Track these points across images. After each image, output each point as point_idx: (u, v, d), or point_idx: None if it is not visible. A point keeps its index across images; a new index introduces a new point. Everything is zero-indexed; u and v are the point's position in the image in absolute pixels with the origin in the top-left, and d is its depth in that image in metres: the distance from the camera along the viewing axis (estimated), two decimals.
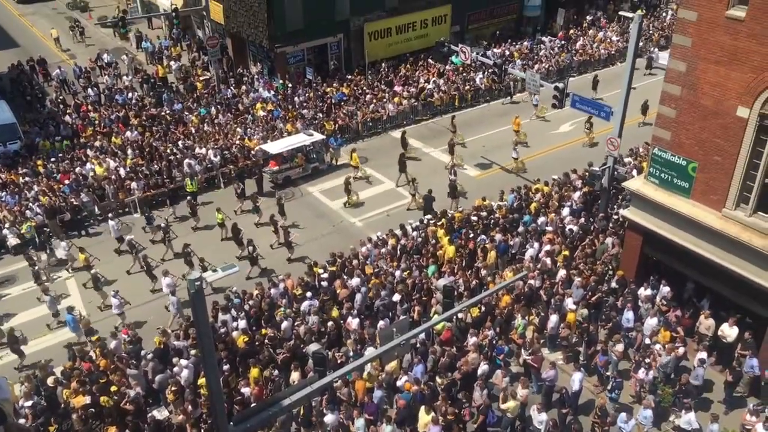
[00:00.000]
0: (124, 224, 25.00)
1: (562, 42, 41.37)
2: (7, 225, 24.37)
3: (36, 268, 22.47)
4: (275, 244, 24.00)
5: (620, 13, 41.36)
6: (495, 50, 39.46)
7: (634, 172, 24.60)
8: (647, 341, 17.63)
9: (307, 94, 34.33)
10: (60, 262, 23.69)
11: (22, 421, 15.45)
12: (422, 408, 15.53)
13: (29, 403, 16.14)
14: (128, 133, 30.59)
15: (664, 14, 46.09)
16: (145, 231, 24.82)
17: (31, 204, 25.46)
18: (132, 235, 24.13)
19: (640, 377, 16.53)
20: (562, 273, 19.99)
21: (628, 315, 18.30)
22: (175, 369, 17.20)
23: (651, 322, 18.03)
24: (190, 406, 15.89)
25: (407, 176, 27.64)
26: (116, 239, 24.00)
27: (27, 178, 27.38)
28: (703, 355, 16.54)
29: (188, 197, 25.86)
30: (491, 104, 35.40)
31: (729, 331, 17.16)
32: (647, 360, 16.71)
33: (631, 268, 19.73)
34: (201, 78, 37.15)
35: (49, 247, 24.01)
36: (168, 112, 33.01)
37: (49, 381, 17.00)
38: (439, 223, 23.23)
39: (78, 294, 22.18)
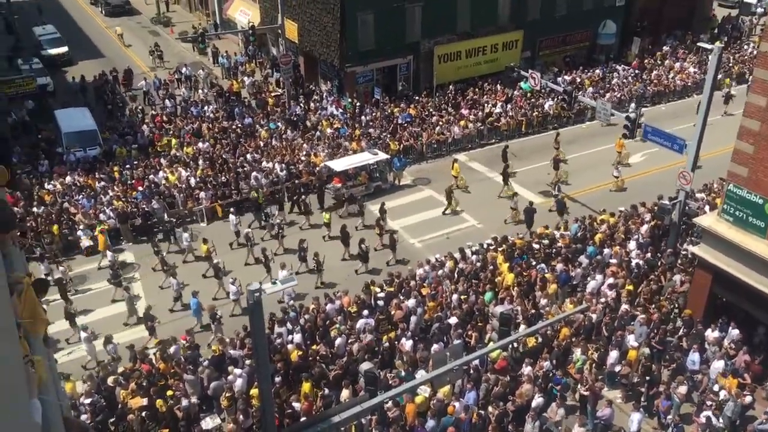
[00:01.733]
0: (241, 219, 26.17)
1: (636, 71, 40.49)
2: (81, 227, 25.47)
3: (161, 255, 23.80)
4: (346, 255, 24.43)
5: (699, 44, 40.13)
6: (566, 77, 38.95)
7: (707, 207, 23.70)
8: (713, 386, 16.83)
9: (373, 114, 34.69)
10: (180, 251, 25.17)
11: (83, 417, 15.97)
12: None
13: (89, 401, 16.71)
14: (200, 144, 31.61)
15: (745, 47, 44.52)
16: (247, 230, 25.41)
17: (105, 208, 26.57)
18: (249, 229, 25.27)
19: (702, 422, 15.78)
20: (624, 308, 19.38)
21: (694, 357, 17.55)
22: (230, 378, 17.50)
23: (717, 365, 17.22)
24: (241, 416, 16.11)
25: (510, 188, 28.26)
26: (234, 233, 25.34)
27: (103, 183, 28.59)
28: None
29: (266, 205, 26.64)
30: (560, 131, 34.86)
31: None
32: (710, 404, 15.94)
33: (699, 308, 18.95)
34: (272, 94, 38.09)
35: (173, 236, 25.56)
36: (239, 125, 33.95)
37: (110, 380, 17.57)
38: (499, 249, 22.93)
39: (196, 283, 22.66)
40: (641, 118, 32.79)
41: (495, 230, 25.33)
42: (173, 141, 32.31)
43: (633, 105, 35.41)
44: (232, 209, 26.10)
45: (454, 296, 20.41)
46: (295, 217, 27.30)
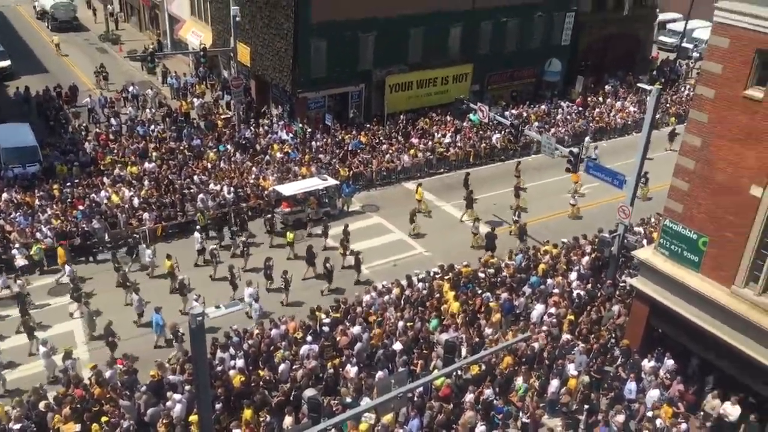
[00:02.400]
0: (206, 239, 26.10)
1: (579, 108, 41.92)
2: (17, 245, 24.53)
3: (121, 272, 23.39)
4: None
5: (639, 84, 41.91)
6: (513, 111, 40.01)
7: (644, 241, 24.55)
8: (649, 414, 17.27)
9: (324, 140, 34.79)
10: (143, 267, 24.97)
11: None
12: None
13: (18, 427, 15.96)
14: (146, 164, 31.01)
15: (682, 89, 46.70)
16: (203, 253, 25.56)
17: (42, 227, 25.69)
18: (214, 246, 25.41)
19: None
20: (566, 337, 19.79)
21: (631, 386, 18.01)
22: (168, 403, 17.00)
23: (653, 394, 17.73)
24: None
25: (474, 213, 29.03)
26: (197, 251, 25.34)
27: (42, 201, 27.66)
28: None
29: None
30: (506, 163, 35.67)
31: (731, 410, 16.83)
32: None
33: (636, 338, 19.50)
34: (222, 116, 37.79)
35: (135, 252, 25.25)
36: (186, 146, 33.49)
37: (41, 405, 16.83)
38: (446, 277, 23.15)
39: (161, 300, 22.46)
40: (595, 151, 34.39)
41: (442, 258, 25.61)
42: (114, 160, 31.61)
43: (588, 139, 37.18)
44: (198, 227, 25.98)
45: (400, 323, 20.45)
46: (260, 236, 27.40)
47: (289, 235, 26.19)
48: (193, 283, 23.47)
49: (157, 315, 20.75)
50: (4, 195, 27.81)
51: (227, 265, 23.83)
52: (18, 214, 26.44)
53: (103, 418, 16.27)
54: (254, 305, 21.78)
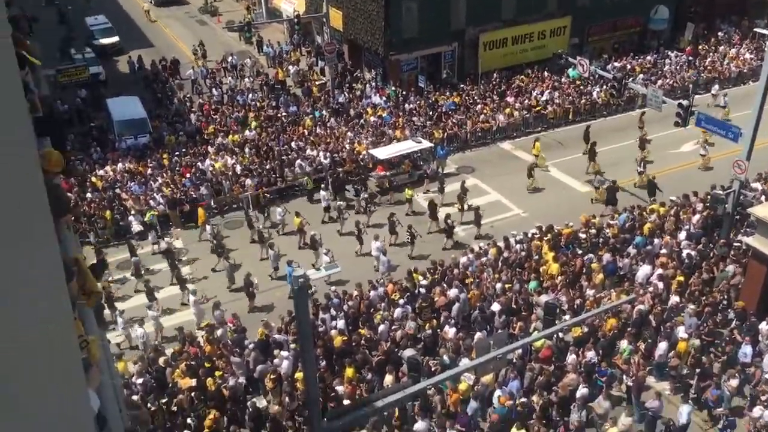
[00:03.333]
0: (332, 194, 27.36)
1: (689, 57, 39.30)
2: (132, 212, 26.15)
3: (257, 228, 25.11)
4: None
5: (756, 29, 38.69)
6: (615, 63, 38.08)
7: (763, 198, 22.91)
8: (766, 377, 16.33)
9: (418, 102, 34.57)
10: (273, 225, 26.39)
11: (134, 397, 16.46)
12: (515, 425, 15.18)
13: (140, 381, 17.20)
14: (246, 133, 32.03)
15: None
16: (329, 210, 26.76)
17: (155, 194, 27.22)
18: (342, 202, 26.57)
19: (755, 416, 15.34)
20: (674, 299, 18.94)
21: (746, 349, 17.04)
22: (276, 361, 17.78)
23: None
24: (287, 398, 16.37)
25: (596, 166, 28.15)
26: (324, 209, 26.55)
27: (153, 170, 29.26)
28: None
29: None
30: (607, 119, 34.13)
31: None
32: (764, 397, 15.47)
33: (753, 300, 18.39)
34: (317, 82, 38.29)
35: (267, 211, 26.77)
36: (284, 114, 34.26)
37: (161, 361, 18.04)
38: (545, 238, 22.64)
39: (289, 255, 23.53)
40: (725, 99, 32.79)
41: (540, 219, 25.02)
42: (217, 129, 32.83)
43: (716, 87, 35.25)
44: (322, 185, 27.35)
45: (498, 285, 20.27)
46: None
47: (408, 192, 26.93)
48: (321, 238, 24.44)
49: (290, 267, 21.68)
50: (119, 165, 29.63)
51: (354, 221, 24.78)
52: (132, 182, 28.11)
53: (217, 373, 17.25)
54: (382, 258, 22.50)
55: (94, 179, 28.40)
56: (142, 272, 23.41)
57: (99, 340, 7.58)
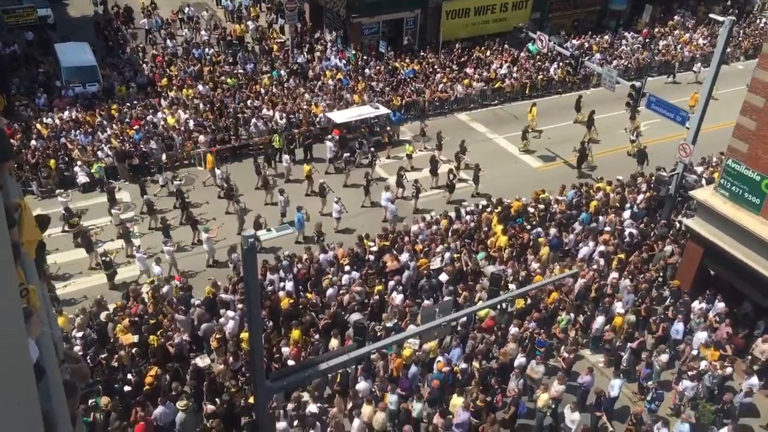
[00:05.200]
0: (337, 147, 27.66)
1: (645, 39, 39.99)
2: (78, 163, 25.38)
3: (263, 174, 25.52)
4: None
5: (710, 15, 39.55)
6: (574, 41, 38.47)
7: (703, 181, 23.75)
8: (695, 353, 17.15)
9: (377, 67, 34.30)
10: (278, 174, 26.69)
11: (75, 348, 16.21)
12: (455, 391, 15.61)
13: (80, 334, 16.94)
14: (200, 87, 31.27)
15: (758, 21, 43.93)
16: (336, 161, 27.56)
17: (103, 145, 26.44)
18: (348, 154, 27.05)
19: (681, 389, 16.14)
20: (614, 275, 19.60)
21: (678, 326, 17.83)
22: (221, 320, 17.74)
23: (700, 336, 17.52)
24: (231, 358, 16.39)
25: (592, 134, 29.58)
26: (329, 160, 27.26)
27: (101, 120, 28.36)
28: (754, 380, 15.97)
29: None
30: (563, 96, 34.60)
31: None
32: (691, 373, 16.27)
33: (688, 280, 19.18)
34: (276, 40, 37.53)
35: (274, 160, 26.96)
36: (241, 71, 33.54)
37: (102, 316, 17.77)
38: (495, 211, 23.01)
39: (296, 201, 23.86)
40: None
41: (492, 191, 25.41)
42: (170, 82, 31.97)
43: (699, 64, 36.37)
44: (329, 137, 27.59)
45: (447, 254, 20.57)
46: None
47: (409, 148, 27.72)
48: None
49: (299, 213, 22.35)
50: (66, 113, 28.61)
51: (359, 172, 25.87)
52: (79, 132, 27.22)
53: (160, 331, 17.11)
54: (390, 207, 23.49)
55: (39, 126, 27.38)
56: (155, 210, 23.51)
57: (39, 290, 7.43)
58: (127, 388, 15.48)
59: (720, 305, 18.26)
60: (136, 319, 17.40)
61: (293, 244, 22.73)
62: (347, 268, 19.77)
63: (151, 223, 23.44)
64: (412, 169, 27.13)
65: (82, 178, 25.07)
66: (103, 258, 20.56)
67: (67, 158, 25.73)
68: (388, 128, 29.51)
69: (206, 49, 35.77)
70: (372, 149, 27.41)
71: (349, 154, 26.99)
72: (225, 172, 25.32)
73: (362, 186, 24.98)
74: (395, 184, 25.36)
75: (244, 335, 16.68)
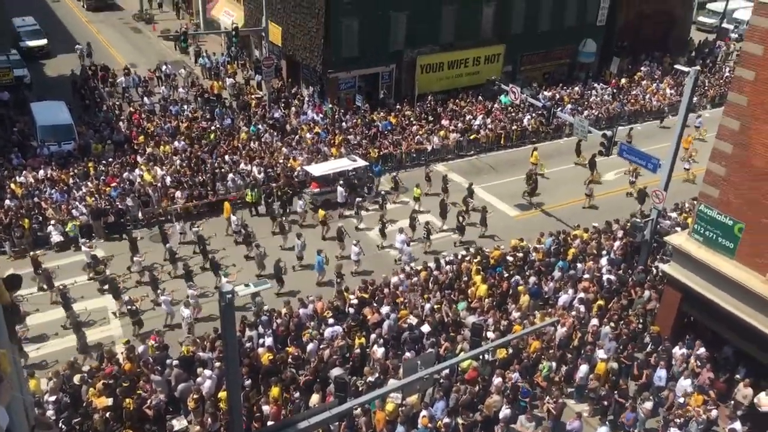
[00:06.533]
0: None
1: (614, 90, 41.13)
2: (53, 222, 25.07)
3: (279, 220, 26.13)
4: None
5: (676, 66, 40.90)
6: (545, 93, 39.43)
7: (678, 228, 24.10)
8: (680, 400, 17.06)
9: (354, 120, 34.74)
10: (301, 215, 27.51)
11: (48, 413, 15.67)
12: None
13: (53, 398, 16.42)
14: (176, 143, 31.33)
15: (724, 70, 45.44)
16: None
17: (77, 203, 26.20)
18: (360, 199, 28.00)
19: None
20: (594, 322, 19.60)
21: (661, 373, 17.79)
22: (198, 379, 17.33)
23: (684, 383, 17.47)
24: (209, 419, 15.95)
25: (598, 174, 30.39)
26: (339, 203, 27.96)
27: (76, 179, 28.17)
28: (737, 425, 15.90)
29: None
30: (537, 146, 35.19)
31: (765, 400, 16.52)
32: (678, 421, 16.16)
33: (667, 325, 19.24)
34: (254, 96, 37.94)
35: (289, 206, 27.79)
36: (218, 126, 33.74)
37: (76, 379, 17.28)
38: (474, 260, 23.06)
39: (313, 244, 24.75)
40: (698, 120, 34.97)
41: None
42: (147, 139, 32.02)
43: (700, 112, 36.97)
44: (340, 182, 28.16)
45: (427, 305, 20.46)
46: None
47: (417, 191, 28.45)
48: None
49: (319, 256, 23.03)
50: (41, 172, 28.39)
51: (372, 216, 26.90)
52: (54, 191, 26.98)
53: (136, 393, 16.64)
54: (405, 249, 24.07)
55: (13, 186, 27.10)
56: (177, 256, 23.91)
57: (10, 354, 7.21)
58: None
59: (701, 350, 18.29)
60: (111, 381, 16.91)
61: (313, 287, 23.13)
62: (331, 321, 19.53)
63: (172, 272, 23.70)
64: (419, 212, 27.79)
65: (56, 237, 24.73)
66: (129, 307, 20.61)
67: (41, 217, 25.42)
68: (376, 180, 29.77)
69: (183, 106, 36.00)
70: (382, 192, 28.77)
71: (360, 199, 27.72)
72: (241, 218, 26.08)
73: (378, 228, 25.92)
74: (409, 226, 25.94)
75: (222, 394, 16.30)
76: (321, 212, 26.54)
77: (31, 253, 23.57)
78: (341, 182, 28.07)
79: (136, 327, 20.49)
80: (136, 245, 24.16)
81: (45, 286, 22.46)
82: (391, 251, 25.73)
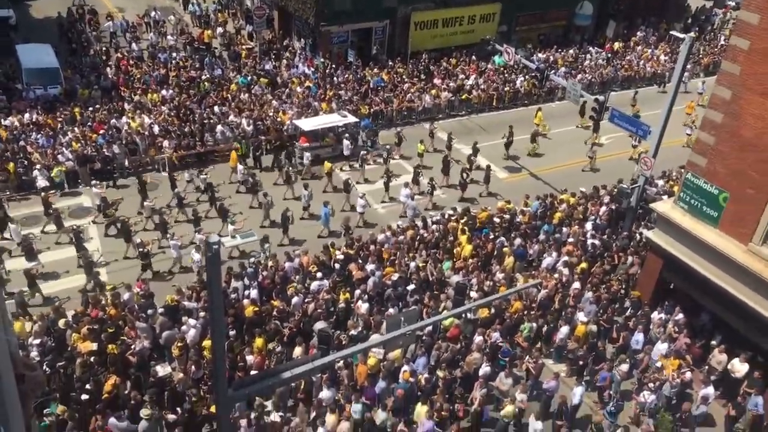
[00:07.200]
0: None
1: (609, 54, 40.84)
2: (38, 167, 24.79)
3: (285, 170, 26.12)
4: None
5: (671, 32, 40.60)
6: (539, 55, 39.09)
7: (665, 196, 24.26)
8: (658, 365, 17.45)
9: (346, 76, 34.33)
10: (299, 171, 27.35)
11: (32, 355, 15.76)
12: (419, 400, 15.60)
13: (38, 341, 16.50)
14: (164, 92, 30.86)
15: (718, 38, 45.21)
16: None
17: (63, 149, 25.88)
18: (365, 151, 28.37)
19: (641, 400, 16.41)
20: (576, 285, 19.87)
21: (638, 337, 18.15)
22: (183, 328, 17.46)
23: (660, 347, 17.83)
24: (192, 366, 16.13)
25: (599, 137, 30.70)
26: (345, 156, 28.40)
27: (63, 124, 27.76)
28: (710, 390, 16.31)
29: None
30: (529, 108, 35.07)
31: (739, 367, 16.93)
32: (652, 384, 16.56)
33: (648, 291, 19.53)
34: (244, 47, 37.30)
35: (293, 157, 27.62)
36: (207, 76, 33.24)
37: (61, 323, 17.34)
38: (461, 221, 23.16)
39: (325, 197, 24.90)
40: (703, 86, 35.00)
41: (456, 201, 25.60)
42: (135, 86, 31.52)
43: (701, 74, 37.44)
44: (346, 135, 28.50)
45: (412, 263, 20.61)
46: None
47: (420, 147, 28.73)
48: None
49: (326, 208, 23.11)
50: (26, 116, 27.95)
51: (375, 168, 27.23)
52: (39, 135, 26.61)
53: (120, 339, 16.75)
54: (410, 203, 24.43)
55: None
56: (184, 202, 24.12)
57: None
58: (84, 397, 15.11)
59: (679, 316, 18.63)
60: (95, 327, 16.99)
61: (316, 239, 23.24)
62: (319, 275, 19.63)
63: (179, 216, 23.95)
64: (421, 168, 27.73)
65: (41, 182, 24.48)
66: (140, 249, 20.77)
67: (26, 162, 25.12)
68: (363, 134, 29.58)
69: (173, 54, 35.35)
70: (387, 146, 28.66)
71: (365, 152, 27.96)
72: (246, 168, 26.16)
73: (382, 182, 25.98)
74: (412, 181, 25.99)
75: (207, 343, 16.44)
76: (327, 164, 26.51)
77: (43, 193, 23.42)
78: (347, 135, 28.36)
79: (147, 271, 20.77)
80: (146, 189, 24.15)
81: (55, 227, 22.50)
82: (379, 209, 25.73)
